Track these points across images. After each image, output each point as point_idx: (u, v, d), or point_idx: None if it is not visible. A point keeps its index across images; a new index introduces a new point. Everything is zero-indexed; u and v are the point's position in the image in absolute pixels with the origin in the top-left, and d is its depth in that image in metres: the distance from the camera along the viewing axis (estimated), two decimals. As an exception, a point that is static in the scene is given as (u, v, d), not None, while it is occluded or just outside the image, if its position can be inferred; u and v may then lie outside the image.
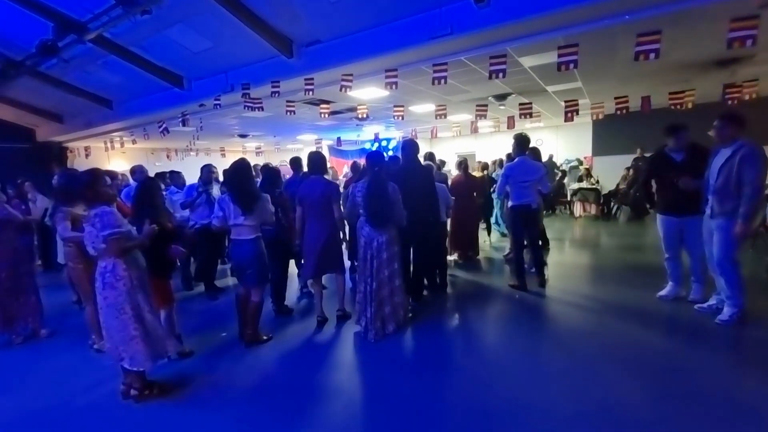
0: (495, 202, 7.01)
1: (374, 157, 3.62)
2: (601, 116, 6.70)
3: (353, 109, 8.01)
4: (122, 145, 10.71)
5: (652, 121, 9.38)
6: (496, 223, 7.26)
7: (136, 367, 2.53)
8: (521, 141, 4.58)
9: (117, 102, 7.95)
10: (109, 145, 10.66)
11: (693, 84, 6.37)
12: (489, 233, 7.19)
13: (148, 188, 3.09)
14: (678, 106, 5.97)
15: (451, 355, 3.26)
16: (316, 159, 3.89)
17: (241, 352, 3.36)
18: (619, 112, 5.87)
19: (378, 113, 9.13)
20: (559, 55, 4.07)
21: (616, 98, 5.88)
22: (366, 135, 13.45)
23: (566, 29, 4.01)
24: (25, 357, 3.47)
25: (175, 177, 5.69)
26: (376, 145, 14.69)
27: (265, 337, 3.52)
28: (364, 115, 7.48)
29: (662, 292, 4.04)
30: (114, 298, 2.44)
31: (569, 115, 5.80)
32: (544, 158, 8.23)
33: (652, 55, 3.63)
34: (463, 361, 3.14)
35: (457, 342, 3.50)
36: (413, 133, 10.76)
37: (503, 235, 7.12)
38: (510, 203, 4.59)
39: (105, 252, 2.42)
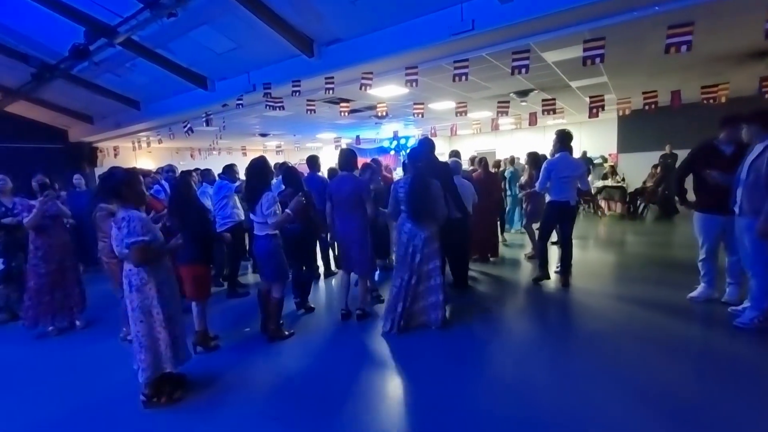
0: (510, 200, 6.93)
1: (416, 153, 3.59)
2: (627, 112, 6.50)
3: (373, 107, 8.02)
4: (149, 144, 11.07)
5: (683, 117, 9.14)
6: (510, 221, 7.18)
7: (150, 376, 2.52)
8: (563, 136, 4.54)
9: (144, 103, 8.20)
10: (136, 144, 11.03)
11: (727, 77, 6.10)
12: (503, 231, 7.09)
13: (182, 186, 3.20)
14: (711, 101, 5.73)
15: (481, 354, 3.19)
16: (347, 156, 3.91)
17: (265, 347, 3.42)
18: (647, 108, 5.66)
19: (397, 111, 9.12)
20: (585, 50, 3.97)
21: (644, 93, 5.68)
22: (385, 133, 13.46)
23: (592, 22, 3.90)
24: (62, 348, 3.62)
25: (205, 174, 5.82)
26: (395, 143, 14.70)
27: (287, 333, 3.58)
28: (384, 113, 7.49)
29: (693, 294, 3.90)
30: (139, 301, 2.46)
31: (594, 111, 5.64)
32: (577, 154, 8.05)
33: (683, 48, 3.49)
34: (495, 361, 3.08)
35: (487, 341, 3.42)
36: (432, 131, 10.70)
37: (521, 233, 7.09)
38: (548, 198, 4.61)
39: (127, 257, 2.44)
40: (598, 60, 3.94)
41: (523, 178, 6.35)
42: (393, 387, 2.79)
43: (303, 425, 2.39)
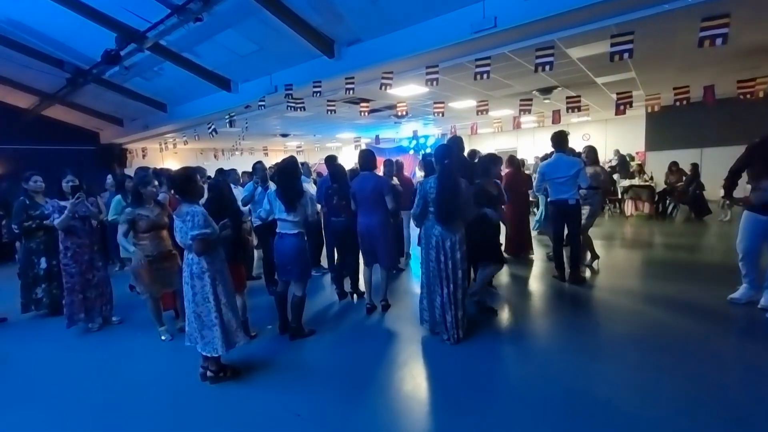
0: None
1: (443, 150, 3.36)
2: (656, 108, 6.28)
3: (392, 107, 8.02)
4: (175, 145, 11.41)
5: (716, 113, 8.75)
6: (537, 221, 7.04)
7: (209, 352, 2.75)
8: (557, 138, 4.57)
9: (171, 105, 8.46)
10: (163, 145, 11.38)
11: (765, 70, 5.80)
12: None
13: (220, 187, 3.31)
14: (747, 96, 5.47)
15: (520, 353, 3.17)
16: (367, 156, 4.06)
17: (298, 341, 3.50)
18: (678, 104, 5.46)
19: (417, 110, 9.09)
20: (612, 45, 3.85)
21: (675, 89, 5.47)
22: (404, 132, 13.44)
23: (620, 16, 3.80)
24: (104, 342, 3.71)
25: (231, 174, 5.93)
26: (414, 142, 14.66)
27: (307, 331, 3.62)
28: (404, 113, 7.48)
29: (734, 295, 3.73)
30: (200, 287, 2.68)
31: (621, 107, 5.46)
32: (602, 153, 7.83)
33: (719, 41, 3.35)
34: (535, 361, 3.03)
35: (525, 342, 3.37)
36: (452, 130, 10.62)
37: (540, 233, 7.04)
38: (549, 198, 4.69)
39: (190, 248, 2.65)
40: (626, 55, 3.82)
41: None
42: (437, 391, 2.77)
43: (348, 408, 2.49)
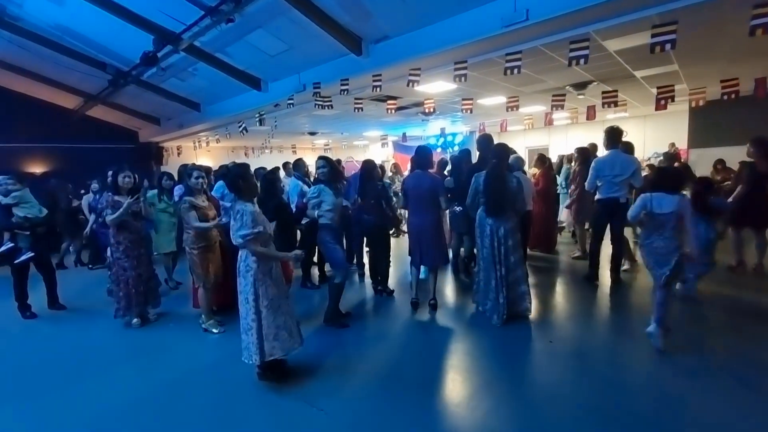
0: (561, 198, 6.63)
1: (494, 151, 3.72)
2: (701, 103, 5.89)
3: (420, 104, 7.95)
4: (208, 144, 11.80)
5: (768, 107, 8.14)
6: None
7: (245, 358, 2.66)
8: (611, 134, 4.38)
9: (204, 105, 8.73)
10: (196, 144, 11.80)
11: (826, 60, 5.35)
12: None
13: (270, 182, 3.39)
14: (805, 88, 5.05)
15: (580, 347, 3.19)
16: (426, 154, 4.01)
17: (350, 333, 3.60)
18: (725, 98, 5.10)
19: (445, 107, 8.97)
20: (653, 36, 3.63)
21: (722, 81, 5.11)
22: (431, 130, 13.32)
23: (662, 6, 3.58)
24: (148, 336, 3.81)
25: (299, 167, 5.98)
26: (441, 140, 14.49)
27: (342, 322, 3.70)
28: (431, 110, 7.40)
29: None
30: (243, 286, 2.65)
31: (662, 102, 5.16)
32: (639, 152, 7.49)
33: (773, 29, 3.09)
34: (597, 354, 3.06)
35: (579, 334, 3.44)
36: (481, 127, 10.42)
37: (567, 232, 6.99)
38: (597, 196, 4.50)
39: (242, 246, 2.62)
40: (668, 47, 3.60)
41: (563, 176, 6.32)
42: (501, 374, 2.87)
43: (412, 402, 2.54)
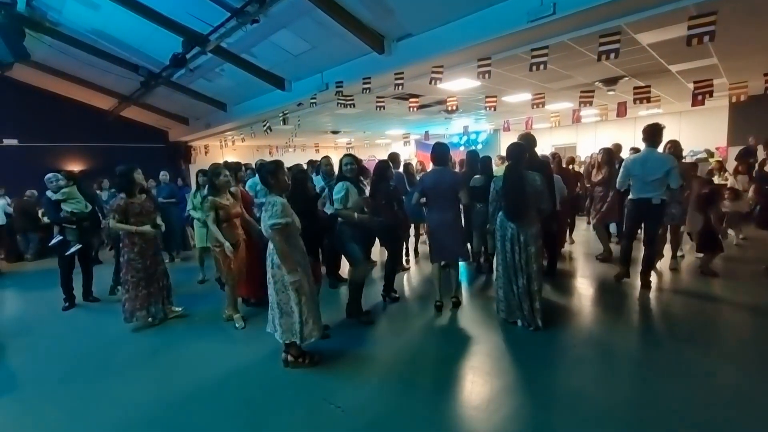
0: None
1: (512, 151, 3.45)
2: (742, 98, 5.57)
3: (442, 102, 7.88)
4: (233, 143, 12.08)
5: (818, 102, 7.58)
6: None
7: (287, 338, 2.85)
8: (651, 131, 4.14)
9: (230, 105, 8.94)
10: (223, 143, 12.10)
11: None
12: (572, 232, 6.56)
13: (300, 181, 3.46)
14: None
15: (611, 351, 3.10)
16: (444, 151, 3.92)
17: (370, 330, 3.61)
18: (769, 92, 4.80)
19: (468, 105, 8.85)
20: (690, 28, 3.46)
21: (765, 75, 4.82)
22: (454, 128, 13.17)
23: (701, -4, 3.39)
24: (170, 334, 3.83)
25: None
26: (465, 138, 14.31)
27: (363, 318, 3.73)
28: (454, 108, 7.31)
29: None
30: (280, 276, 2.75)
31: (700, 98, 4.92)
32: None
33: (825, 17, 2.88)
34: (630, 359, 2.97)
35: (608, 338, 3.32)
36: (505, 125, 10.22)
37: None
38: (630, 196, 4.33)
39: (270, 237, 2.72)
40: (706, 39, 3.41)
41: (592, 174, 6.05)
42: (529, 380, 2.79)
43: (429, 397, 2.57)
